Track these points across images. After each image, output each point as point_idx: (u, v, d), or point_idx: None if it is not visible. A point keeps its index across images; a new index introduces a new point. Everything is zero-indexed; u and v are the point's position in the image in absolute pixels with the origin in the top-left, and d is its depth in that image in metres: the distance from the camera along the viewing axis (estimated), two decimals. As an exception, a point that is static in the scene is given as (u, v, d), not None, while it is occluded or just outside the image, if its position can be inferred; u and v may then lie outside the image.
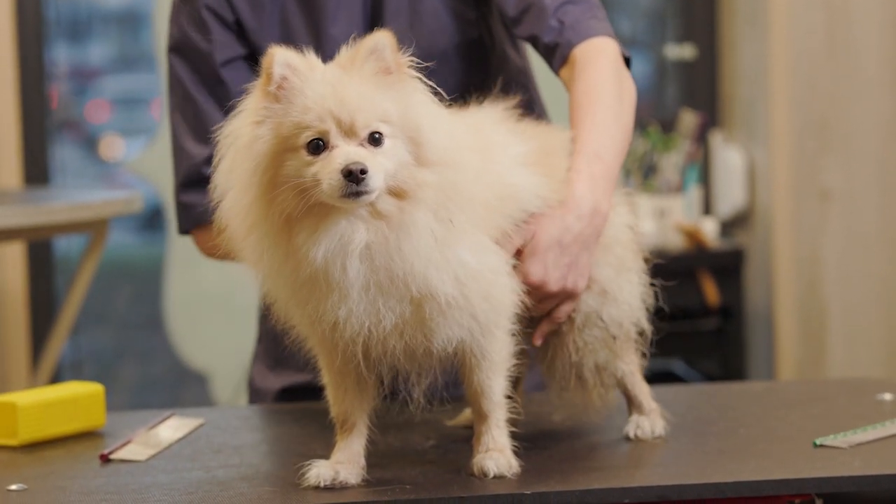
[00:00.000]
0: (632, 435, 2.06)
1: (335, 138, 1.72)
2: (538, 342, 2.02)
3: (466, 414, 2.15)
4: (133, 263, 5.15)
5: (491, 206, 1.85)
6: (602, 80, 2.18)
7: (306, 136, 1.73)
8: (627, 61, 2.26)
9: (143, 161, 4.84)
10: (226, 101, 1.94)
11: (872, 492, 2.23)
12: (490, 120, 1.99)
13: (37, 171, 4.60)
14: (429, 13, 2.35)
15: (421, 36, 2.31)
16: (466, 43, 2.38)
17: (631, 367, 2.10)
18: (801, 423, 2.17)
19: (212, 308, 4.76)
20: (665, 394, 2.27)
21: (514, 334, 1.90)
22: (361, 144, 1.73)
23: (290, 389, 2.45)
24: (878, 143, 4.65)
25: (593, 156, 2.09)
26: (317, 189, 1.71)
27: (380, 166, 1.72)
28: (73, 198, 3.90)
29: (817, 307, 4.68)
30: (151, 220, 4.93)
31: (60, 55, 4.80)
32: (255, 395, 2.53)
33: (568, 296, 2.01)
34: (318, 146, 1.73)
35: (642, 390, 2.11)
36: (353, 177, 1.69)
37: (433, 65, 2.11)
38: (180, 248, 4.75)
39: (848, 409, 2.23)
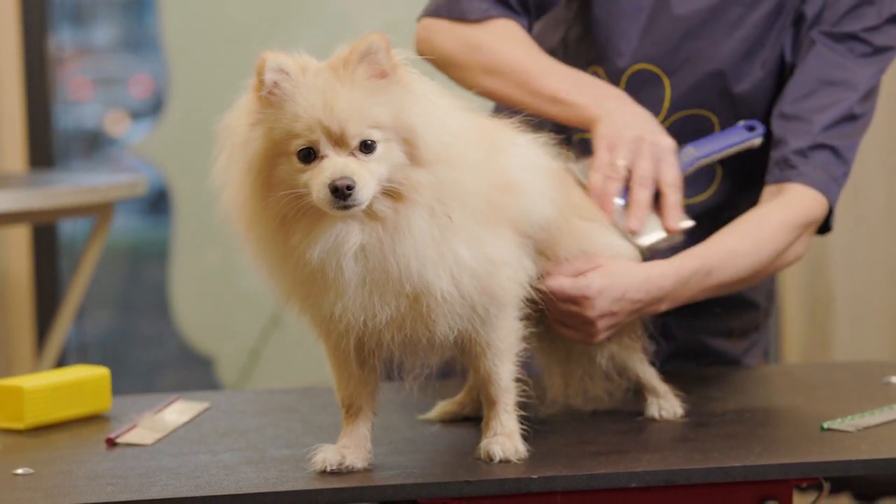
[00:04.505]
0: (657, 416, 2.07)
1: (325, 148, 1.71)
2: None
3: (441, 407, 2.13)
4: (138, 247, 5.15)
5: (492, 198, 1.82)
6: (782, 233, 2.19)
7: (297, 145, 1.71)
8: (826, 226, 2.26)
9: (147, 144, 4.83)
10: None
11: (880, 475, 2.23)
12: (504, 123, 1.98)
13: (41, 154, 4.60)
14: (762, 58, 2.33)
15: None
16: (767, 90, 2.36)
17: (639, 354, 2.10)
18: (807, 407, 2.17)
19: (217, 291, 4.76)
20: (670, 377, 2.26)
21: (524, 318, 1.90)
22: (352, 153, 1.71)
23: None
24: (885, 125, 4.63)
25: (707, 269, 2.12)
26: (309, 196, 1.71)
27: (370, 177, 1.70)
28: (77, 181, 3.90)
29: (823, 290, 4.67)
30: (156, 203, 4.92)
31: (65, 39, 4.79)
32: None
33: (586, 334, 2.03)
34: (308, 154, 1.72)
35: (652, 374, 2.11)
36: (340, 193, 1.69)
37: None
38: (185, 232, 4.75)
39: (855, 392, 2.23)
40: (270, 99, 1.72)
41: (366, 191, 1.70)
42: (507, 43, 2.29)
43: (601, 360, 2.07)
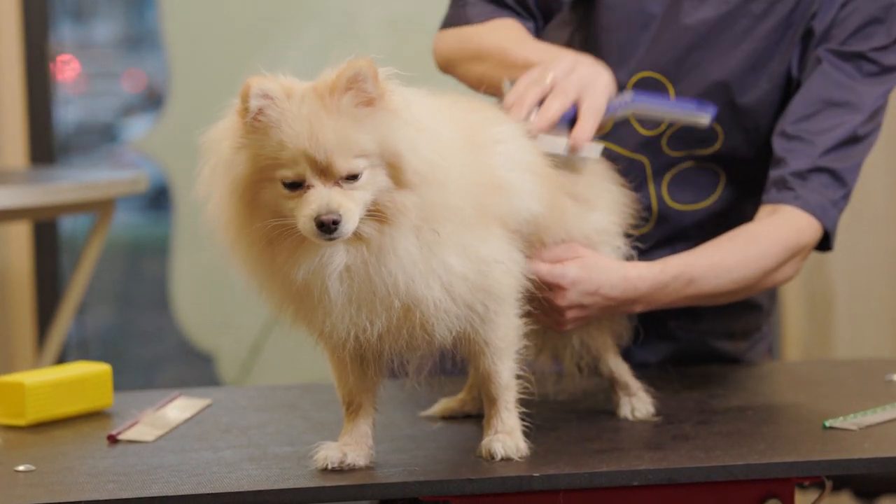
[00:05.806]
0: (630, 416, 2.07)
1: (310, 178, 1.70)
2: None
3: (443, 404, 2.13)
4: (138, 243, 5.15)
5: (480, 201, 1.82)
6: (771, 253, 2.17)
7: (282, 174, 1.71)
8: (826, 245, 2.23)
9: (148, 140, 4.83)
10: None
11: (882, 474, 2.22)
12: (492, 113, 1.97)
13: (42, 150, 4.59)
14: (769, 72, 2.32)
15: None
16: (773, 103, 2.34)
17: (613, 348, 2.11)
18: (809, 405, 2.17)
19: (218, 287, 4.76)
20: (672, 375, 2.27)
21: (523, 315, 1.90)
22: (337, 183, 1.70)
23: None
24: (885, 124, 4.62)
25: (687, 277, 2.11)
26: (294, 222, 1.71)
27: (355, 208, 1.70)
28: (79, 177, 3.89)
29: (823, 287, 4.67)
30: (157, 199, 4.92)
31: (66, 35, 4.79)
32: None
33: (554, 322, 2.02)
34: (294, 183, 1.71)
35: (625, 370, 2.11)
36: (326, 227, 1.68)
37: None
38: (186, 228, 4.75)
39: (856, 390, 2.23)
40: (255, 125, 1.70)
41: (351, 223, 1.69)
42: (495, 32, 2.29)
43: (574, 341, 2.08)
